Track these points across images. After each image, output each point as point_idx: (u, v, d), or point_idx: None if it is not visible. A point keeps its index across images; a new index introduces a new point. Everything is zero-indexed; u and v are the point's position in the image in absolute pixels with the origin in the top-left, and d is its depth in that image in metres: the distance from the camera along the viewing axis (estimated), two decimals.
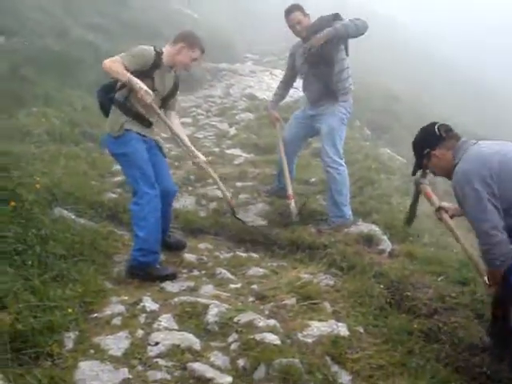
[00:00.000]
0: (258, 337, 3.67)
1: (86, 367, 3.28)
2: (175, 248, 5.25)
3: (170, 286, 4.58)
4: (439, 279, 4.80)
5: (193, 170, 6.78)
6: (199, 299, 4.20)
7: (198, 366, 3.39)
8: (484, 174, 3.46)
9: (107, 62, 4.49)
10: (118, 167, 6.66)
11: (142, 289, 4.48)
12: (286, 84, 6.62)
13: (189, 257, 5.19)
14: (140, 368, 3.37)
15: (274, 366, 3.42)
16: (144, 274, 4.63)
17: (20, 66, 9.02)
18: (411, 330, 4.08)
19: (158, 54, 4.70)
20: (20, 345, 3.29)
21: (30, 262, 4.02)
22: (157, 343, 3.61)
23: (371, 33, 5.85)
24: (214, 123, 10.58)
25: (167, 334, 3.71)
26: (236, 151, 8.81)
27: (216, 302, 4.15)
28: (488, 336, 3.95)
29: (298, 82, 6.55)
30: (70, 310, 3.72)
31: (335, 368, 3.59)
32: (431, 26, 35.07)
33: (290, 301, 4.29)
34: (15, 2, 11.39)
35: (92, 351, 3.48)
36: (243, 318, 3.92)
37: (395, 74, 20.68)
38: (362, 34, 5.69)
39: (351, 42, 5.90)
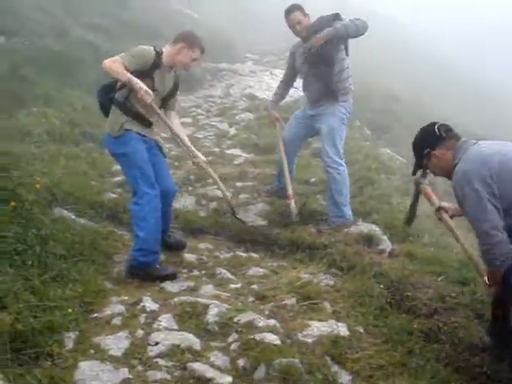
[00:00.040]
0: (257, 337, 3.67)
1: (86, 367, 3.28)
2: (175, 248, 5.25)
3: (170, 286, 4.59)
4: (439, 279, 4.80)
5: (193, 169, 6.78)
6: (199, 299, 4.20)
7: (198, 366, 3.38)
8: (484, 174, 3.46)
9: (107, 62, 4.49)
10: (117, 167, 6.66)
11: (142, 289, 4.48)
12: (286, 84, 6.61)
13: (189, 257, 5.19)
14: (140, 368, 3.37)
15: (274, 366, 3.42)
16: (144, 274, 4.63)
17: (20, 66, 9.02)
18: (411, 330, 4.08)
19: (158, 54, 4.70)
20: (20, 345, 3.29)
21: (30, 262, 4.02)
22: (157, 343, 3.61)
23: (371, 33, 5.85)
24: (214, 123, 10.58)
25: (167, 334, 3.71)
26: (236, 151, 8.81)
27: (216, 301, 4.15)
28: (488, 336, 3.95)
29: (298, 82, 6.55)
30: (70, 310, 3.72)
31: (335, 368, 3.59)
32: (431, 25, 35.07)
33: (290, 301, 4.29)
34: (15, 2, 11.40)
35: (92, 351, 3.48)
36: (243, 318, 3.92)
37: (395, 74, 20.68)
38: (362, 34, 5.69)
39: (351, 42, 5.90)
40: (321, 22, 5.79)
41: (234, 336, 3.75)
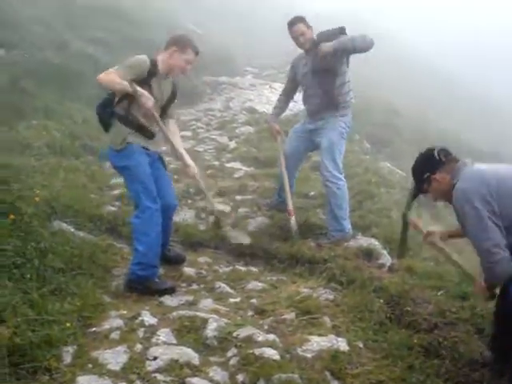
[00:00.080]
0: (257, 352, 3.65)
1: (84, 382, 3.26)
2: (175, 262, 5.24)
3: (168, 300, 4.57)
4: (439, 294, 4.78)
5: (192, 183, 6.77)
6: (198, 313, 4.18)
7: (196, 381, 3.36)
8: (483, 192, 3.45)
9: (102, 76, 4.50)
10: (116, 180, 6.67)
11: (141, 303, 4.47)
12: (287, 97, 6.62)
13: (188, 271, 5.18)
14: (138, 383, 3.34)
15: (274, 381, 3.40)
16: (143, 287, 4.61)
17: (20, 79, 9.06)
18: (411, 345, 4.06)
19: (153, 62, 4.69)
20: (18, 359, 3.28)
21: (28, 276, 4.01)
22: (155, 358, 3.59)
23: (377, 49, 5.82)
24: (213, 137, 10.59)
25: (166, 349, 3.69)
26: (236, 164, 8.81)
27: (215, 316, 4.14)
28: (489, 351, 3.94)
29: (298, 96, 6.56)
30: (68, 324, 3.71)
31: (335, 383, 3.57)
32: (436, 42, 35.18)
33: (290, 315, 4.27)
34: (15, 15, 11.45)
35: (90, 366, 3.46)
36: (242, 332, 3.90)
37: (401, 90, 20.77)
38: (369, 49, 5.66)
39: (358, 57, 5.88)
40: (327, 34, 5.78)
41: (233, 351, 3.73)
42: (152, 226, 4.60)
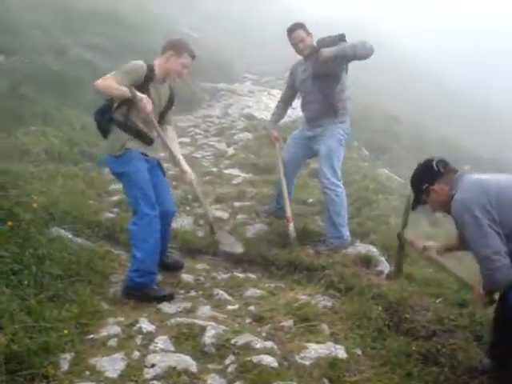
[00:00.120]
0: (255, 359, 3.64)
1: None
2: (173, 268, 5.23)
3: (166, 307, 4.56)
4: (438, 301, 4.78)
5: (190, 189, 6.77)
6: (196, 320, 4.17)
7: None
8: (483, 201, 3.45)
9: (99, 82, 4.48)
10: (114, 186, 6.66)
11: (139, 310, 4.45)
12: (285, 103, 6.62)
13: (186, 277, 5.17)
14: None
15: None
16: (140, 294, 4.60)
17: (19, 85, 9.07)
18: (410, 353, 4.05)
19: (150, 67, 4.68)
20: (15, 366, 3.26)
21: (26, 282, 4.00)
22: (153, 365, 3.57)
23: (377, 55, 5.82)
24: (212, 143, 10.59)
25: (163, 356, 3.67)
26: (234, 171, 8.82)
27: (213, 323, 4.12)
28: (488, 358, 3.93)
29: (297, 103, 6.56)
30: (65, 331, 3.70)
31: None
32: (436, 49, 35.22)
33: (288, 322, 4.26)
34: (15, 21, 11.46)
35: (88, 373, 3.45)
36: (240, 339, 3.89)
37: (400, 97, 20.79)
38: (369, 56, 5.66)
39: (358, 63, 5.89)
40: (327, 41, 5.78)
41: (230, 358, 3.72)
42: (150, 232, 4.59)
